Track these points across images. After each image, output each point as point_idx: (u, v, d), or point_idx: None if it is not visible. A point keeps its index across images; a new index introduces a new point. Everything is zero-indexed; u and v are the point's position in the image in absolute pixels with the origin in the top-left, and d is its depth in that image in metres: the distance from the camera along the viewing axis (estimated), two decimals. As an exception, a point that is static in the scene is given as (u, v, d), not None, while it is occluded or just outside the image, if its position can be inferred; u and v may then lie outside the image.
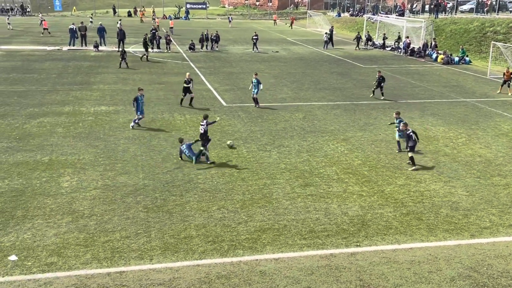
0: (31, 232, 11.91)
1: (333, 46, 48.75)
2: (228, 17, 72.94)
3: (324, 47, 48.03)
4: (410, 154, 16.80)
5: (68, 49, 42.17)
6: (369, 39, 50.52)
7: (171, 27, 55.61)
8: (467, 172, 16.51)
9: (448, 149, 18.85)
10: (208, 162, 16.74)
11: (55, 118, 21.55)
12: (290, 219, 12.93)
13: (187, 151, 16.92)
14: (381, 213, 13.43)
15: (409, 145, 16.85)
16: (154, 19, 64.07)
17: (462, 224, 12.88)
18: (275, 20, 77.02)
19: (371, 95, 27.28)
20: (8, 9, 77.57)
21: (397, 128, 18.31)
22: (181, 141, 17.35)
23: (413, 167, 16.67)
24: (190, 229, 12.26)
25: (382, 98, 26.69)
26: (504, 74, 29.33)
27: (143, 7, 77.33)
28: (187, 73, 24.97)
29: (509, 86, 29.03)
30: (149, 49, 38.47)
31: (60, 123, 20.92)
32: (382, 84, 26.69)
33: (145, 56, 37.48)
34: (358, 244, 11.79)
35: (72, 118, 21.70)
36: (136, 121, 20.58)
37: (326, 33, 50.26)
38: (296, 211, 13.42)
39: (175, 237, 11.84)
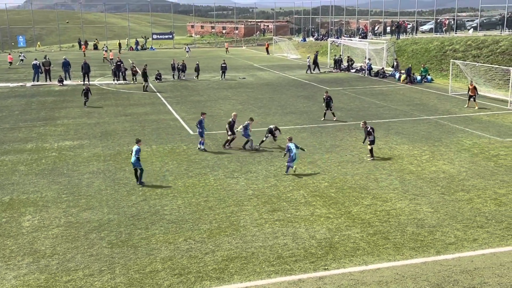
0: (-11, 276, 11.49)
1: (319, 70, 48.94)
2: (185, 47, 70.96)
3: (306, 71, 48.42)
4: (369, 147, 20.02)
5: (32, 85, 41.62)
6: (340, 61, 50.74)
7: (111, 59, 55.69)
8: (431, 189, 16.73)
9: (413, 167, 19.11)
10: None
11: (16, 156, 21.08)
12: (258, 246, 12.82)
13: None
14: (348, 234, 13.44)
15: (369, 139, 19.94)
16: (105, 51, 63.23)
17: (428, 241, 12.98)
18: (227, 49, 75.37)
19: (322, 119, 27.22)
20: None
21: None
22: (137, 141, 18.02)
23: (371, 158, 19.95)
24: (156, 263, 12.02)
25: (335, 119, 27.00)
26: (468, 89, 30.43)
27: (86, 41, 76.15)
28: (233, 113, 22.98)
29: (474, 100, 30.01)
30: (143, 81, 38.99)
31: (22, 160, 20.47)
32: (331, 104, 27.05)
33: (145, 86, 38.36)
34: (326, 267, 11.73)
35: (34, 155, 21.27)
36: (202, 143, 21.82)
37: (308, 57, 51.01)
38: (264, 237, 13.32)
39: (140, 272, 11.58)
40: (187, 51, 68.66)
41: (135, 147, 17.67)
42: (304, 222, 14.22)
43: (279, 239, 13.21)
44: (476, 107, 29.76)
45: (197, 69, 44.66)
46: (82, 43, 74.85)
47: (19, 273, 11.60)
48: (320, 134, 24.36)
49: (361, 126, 20.59)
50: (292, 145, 18.33)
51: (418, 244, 12.80)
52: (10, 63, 55.67)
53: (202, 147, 21.79)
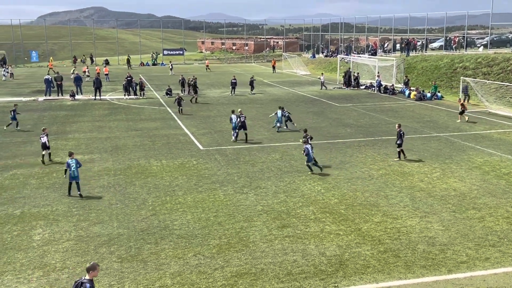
0: (-1, 289, 11.53)
1: (325, 88, 49.08)
2: (170, 65, 66.57)
3: (321, 88, 48.62)
4: (398, 149, 22.28)
5: (44, 99, 42.09)
6: (352, 77, 50.47)
7: (106, 74, 56.27)
8: (442, 207, 16.62)
9: (423, 184, 19.01)
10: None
11: (28, 170, 21.25)
12: (268, 263, 12.76)
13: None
14: (358, 251, 13.35)
15: (397, 142, 22.18)
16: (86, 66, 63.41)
17: (439, 259, 12.86)
18: (207, 66, 72.12)
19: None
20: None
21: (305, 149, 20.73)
22: (70, 154, 18.31)
23: (397, 159, 22.23)
24: (165, 278, 12.00)
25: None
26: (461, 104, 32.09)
27: (51, 58, 76.12)
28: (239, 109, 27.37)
29: (461, 114, 31.60)
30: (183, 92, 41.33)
31: (33, 174, 20.62)
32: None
33: (194, 98, 40.37)
34: (336, 285, 11.64)
35: (46, 168, 21.43)
36: (235, 135, 26.14)
37: (322, 73, 52.07)
38: (274, 253, 13.27)
39: (150, 287, 11.56)
40: (171, 68, 65.05)
41: (72, 160, 17.81)
42: (314, 239, 14.16)
43: (289, 255, 13.15)
44: (461, 120, 31.30)
45: (184, 85, 44.56)
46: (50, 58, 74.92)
47: (29, 287, 11.63)
48: (329, 150, 24.34)
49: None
50: (308, 146, 20.58)
51: (429, 263, 12.68)
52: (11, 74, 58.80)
53: (234, 139, 26.31)
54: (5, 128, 29.16)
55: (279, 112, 28.87)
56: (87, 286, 8.87)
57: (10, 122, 29.34)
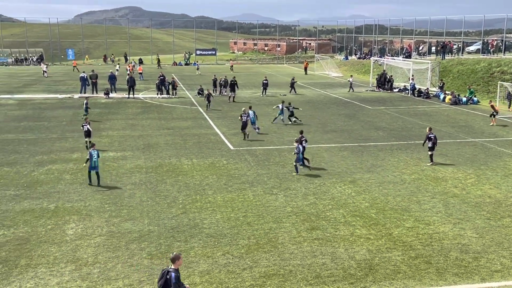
0: (34, 281, 11.81)
1: (353, 90, 48.85)
2: (195, 64, 67.43)
3: (349, 90, 48.30)
4: (429, 153, 21.92)
5: (79, 97, 42.96)
6: (388, 80, 49.79)
7: (140, 73, 57.53)
8: (476, 214, 16.23)
9: (457, 190, 18.61)
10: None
11: (63, 165, 21.73)
12: (296, 264, 12.70)
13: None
14: (389, 256, 13.16)
15: (429, 145, 21.78)
16: (128, 65, 64.57)
17: (472, 267, 12.56)
18: (231, 66, 71.11)
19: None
20: (22, 59, 79.65)
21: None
22: (92, 146, 19.65)
23: (430, 163, 21.80)
24: (194, 276, 12.08)
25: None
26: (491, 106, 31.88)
27: (87, 56, 77.27)
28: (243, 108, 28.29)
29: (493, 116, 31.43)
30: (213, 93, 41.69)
31: (68, 170, 21.07)
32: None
33: (232, 97, 41.13)
34: (365, 289, 11.50)
35: (80, 164, 21.82)
36: (256, 127, 28.15)
37: (351, 75, 52.36)
38: (302, 255, 13.20)
39: (179, 285, 11.64)
40: (197, 68, 66.61)
41: (94, 151, 18.97)
42: (344, 242, 14.02)
43: (318, 258, 13.06)
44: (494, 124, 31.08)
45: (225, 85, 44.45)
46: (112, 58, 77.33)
47: (62, 280, 11.88)
48: (361, 153, 24.08)
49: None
50: (300, 147, 20.55)
51: (462, 270, 12.40)
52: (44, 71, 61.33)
53: (258, 131, 28.24)
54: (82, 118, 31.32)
55: (280, 106, 31.31)
56: (172, 275, 9.37)
57: (86, 113, 31.85)
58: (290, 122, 31.39)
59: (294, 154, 20.70)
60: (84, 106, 32.44)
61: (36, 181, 19.53)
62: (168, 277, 9.38)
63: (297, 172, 20.54)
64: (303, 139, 21.36)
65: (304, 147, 21.01)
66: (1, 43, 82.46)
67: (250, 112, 28.25)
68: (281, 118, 31.20)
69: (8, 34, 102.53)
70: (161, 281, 9.49)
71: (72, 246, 13.72)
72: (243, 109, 28.08)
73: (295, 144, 20.79)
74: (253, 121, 28.33)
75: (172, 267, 9.51)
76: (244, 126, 26.97)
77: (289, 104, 32.11)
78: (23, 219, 15.57)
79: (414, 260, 12.94)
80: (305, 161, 20.96)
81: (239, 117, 27.33)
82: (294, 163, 20.74)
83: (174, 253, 9.71)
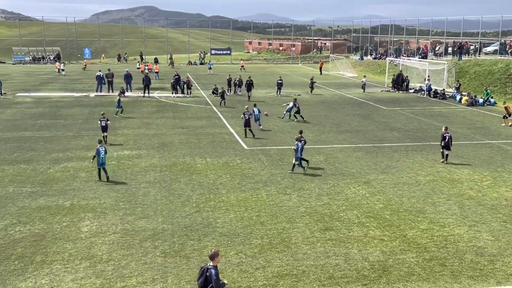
0: (49, 277, 11.94)
1: (364, 90, 48.65)
2: (208, 63, 67.60)
3: (363, 90, 48.17)
4: (446, 152, 22.14)
5: (95, 95, 43.35)
6: (402, 79, 49.38)
7: (156, 72, 58.18)
8: (492, 216, 16.04)
9: (473, 192, 18.42)
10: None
11: (79, 163, 21.94)
12: (309, 265, 12.68)
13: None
14: (403, 258, 13.07)
15: (441, 144, 22.13)
16: (145, 64, 65.41)
17: (487, 270, 12.42)
18: (242, 66, 70.04)
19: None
20: (40, 58, 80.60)
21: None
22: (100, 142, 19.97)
23: (445, 161, 22.13)
24: (207, 275, 12.09)
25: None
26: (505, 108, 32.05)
27: (103, 55, 78.12)
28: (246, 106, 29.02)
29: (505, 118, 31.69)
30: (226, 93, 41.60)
31: (83, 167, 21.27)
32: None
33: (247, 96, 41.85)
34: (378, 291, 11.43)
35: (95, 162, 22.01)
36: (259, 124, 29.12)
37: (365, 76, 52.51)
38: (315, 256, 13.17)
39: (192, 283, 11.69)
40: (209, 68, 66.38)
41: (102, 148, 19.39)
42: (357, 243, 13.96)
43: (331, 258, 13.02)
44: (510, 124, 31.26)
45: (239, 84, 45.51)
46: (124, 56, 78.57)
47: (77, 277, 12.00)
48: (375, 154, 23.94)
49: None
50: (300, 144, 20.56)
51: (477, 273, 12.27)
52: (59, 69, 62.63)
53: (261, 126, 29.32)
54: (115, 115, 32.83)
55: (291, 104, 32.77)
56: (212, 272, 9.47)
57: (118, 108, 33.37)
58: (296, 119, 32.38)
59: (293, 149, 20.94)
60: (117, 102, 33.56)
61: (52, 178, 19.75)
62: (208, 274, 9.47)
63: (292, 171, 20.72)
64: (302, 139, 21.15)
65: (302, 146, 20.96)
66: (19, 41, 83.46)
67: (255, 109, 29.33)
68: (288, 113, 32.76)
69: (26, 33, 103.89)
70: (201, 279, 9.57)
71: (86, 243, 13.85)
72: (246, 107, 28.66)
73: (296, 142, 21.07)
74: (257, 118, 29.29)
75: (211, 264, 9.60)
76: (246, 123, 27.36)
77: (295, 100, 33.34)
78: (39, 216, 15.75)
79: (428, 262, 12.83)
80: (302, 162, 20.90)
81: (242, 115, 27.92)
82: (294, 162, 20.90)
83: (213, 250, 9.80)
